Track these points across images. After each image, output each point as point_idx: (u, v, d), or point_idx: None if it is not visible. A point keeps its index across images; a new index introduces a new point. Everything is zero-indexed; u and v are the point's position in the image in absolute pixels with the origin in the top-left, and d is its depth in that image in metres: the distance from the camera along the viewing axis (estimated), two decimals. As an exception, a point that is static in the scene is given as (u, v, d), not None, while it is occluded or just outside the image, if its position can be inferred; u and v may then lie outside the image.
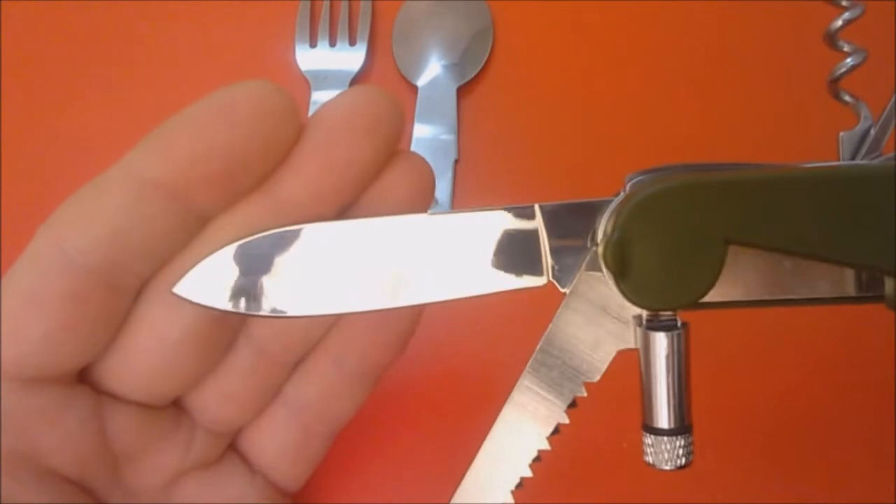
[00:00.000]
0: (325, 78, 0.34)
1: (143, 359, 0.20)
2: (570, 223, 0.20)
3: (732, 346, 0.29)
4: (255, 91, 0.18)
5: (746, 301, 0.20)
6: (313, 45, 0.34)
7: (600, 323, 0.20)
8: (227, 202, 0.19)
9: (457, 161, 0.32)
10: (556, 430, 0.20)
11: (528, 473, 0.20)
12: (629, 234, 0.18)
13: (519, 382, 0.20)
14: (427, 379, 0.29)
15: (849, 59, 0.21)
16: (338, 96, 0.19)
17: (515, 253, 0.20)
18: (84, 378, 0.20)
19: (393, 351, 0.23)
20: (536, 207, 0.20)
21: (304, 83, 0.34)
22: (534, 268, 0.20)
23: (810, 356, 0.29)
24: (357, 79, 0.34)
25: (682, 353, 0.19)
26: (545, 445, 0.20)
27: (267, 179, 0.19)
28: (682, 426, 0.19)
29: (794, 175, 0.18)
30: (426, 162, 0.20)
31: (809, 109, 0.33)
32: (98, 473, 0.20)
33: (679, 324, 0.19)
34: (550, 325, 0.20)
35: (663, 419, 0.19)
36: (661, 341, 0.19)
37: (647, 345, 0.19)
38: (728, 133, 0.33)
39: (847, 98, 0.21)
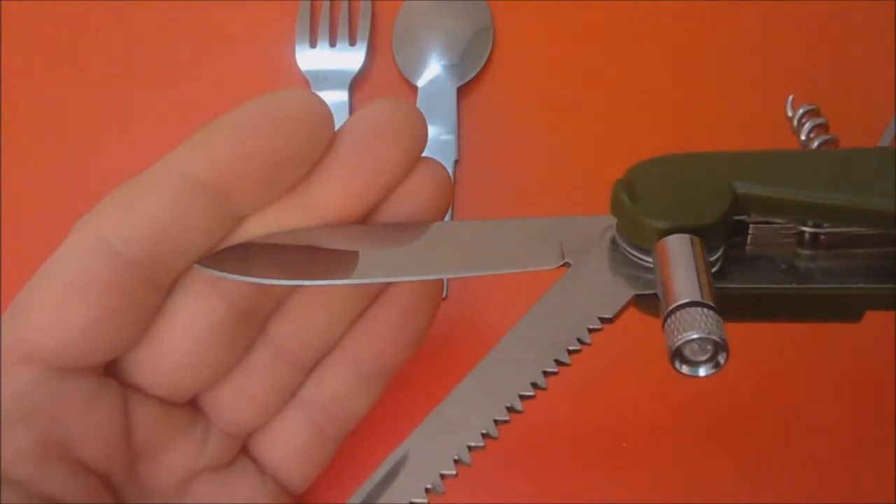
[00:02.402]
0: (325, 78, 0.34)
1: (170, 352, 0.21)
2: (586, 228, 0.20)
3: (732, 347, 0.29)
4: (296, 98, 0.20)
5: (765, 288, 0.20)
6: (313, 45, 0.34)
7: (615, 272, 0.20)
8: (262, 202, 0.20)
9: (457, 161, 0.32)
10: (555, 372, 0.18)
11: (531, 391, 0.18)
12: (638, 177, 0.19)
13: (523, 318, 0.19)
14: (429, 377, 0.29)
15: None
16: (366, 107, 0.21)
17: (533, 243, 0.20)
18: (109, 370, 0.21)
19: (409, 350, 0.23)
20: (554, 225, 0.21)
21: (304, 83, 0.34)
22: (550, 254, 0.20)
23: (810, 356, 0.29)
24: (357, 79, 0.34)
25: (697, 254, 0.18)
26: (552, 367, 0.18)
27: (300, 182, 0.20)
28: (708, 304, 0.17)
29: (798, 152, 0.20)
30: (445, 169, 0.22)
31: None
32: (118, 468, 0.21)
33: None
34: (560, 279, 0.20)
35: (682, 294, 0.17)
36: (675, 240, 0.18)
37: (661, 252, 0.18)
38: (730, 131, 0.33)
39: None
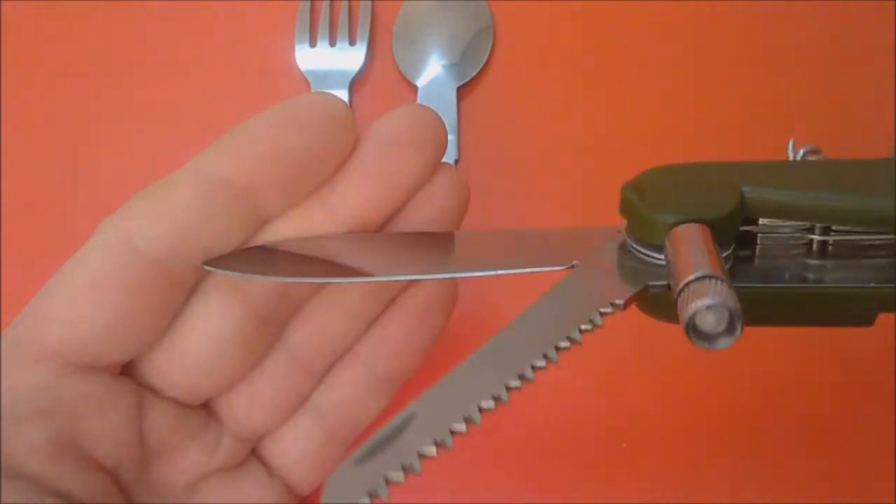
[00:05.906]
0: (325, 78, 0.34)
1: (189, 354, 0.21)
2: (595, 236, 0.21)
3: (732, 348, 0.29)
4: (321, 101, 0.20)
5: (775, 288, 0.20)
6: (313, 44, 0.34)
7: (626, 267, 0.20)
8: (287, 204, 0.21)
9: (457, 161, 0.32)
10: (567, 347, 0.18)
11: (542, 363, 0.18)
12: (647, 180, 0.19)
13: (535, 303, 0.19)
14: (433, 377, 0.29)
15: None
16: (389, 113, 0.21)
17: (543, 248, 0.21)
18: (126, 370, 0.21)
19: (422, 354, 0.23)
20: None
21: (304, 83, 0.34)
22: (560, 257, 0.20)
23: (810, 357, 0.29)
24: (357, 79, 0.34)
25: (708, 238, 0.18)
26: (564, 343, 0.18)
27: (324, 186, 0.21)
28: (720, 277, 0.17)
29: (805, 161, 0.20)
30: (462, 175, 0.22)
31: (814, 113, 0.33)
32: (130, 466, 0.21)
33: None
34: (571, 272, 0.20)
35: (694, 268, 0.17)
36: (686, 228, 0.18)
37: (673, 239, 0.18)
38: (733, 129, 0.33)
39: None
